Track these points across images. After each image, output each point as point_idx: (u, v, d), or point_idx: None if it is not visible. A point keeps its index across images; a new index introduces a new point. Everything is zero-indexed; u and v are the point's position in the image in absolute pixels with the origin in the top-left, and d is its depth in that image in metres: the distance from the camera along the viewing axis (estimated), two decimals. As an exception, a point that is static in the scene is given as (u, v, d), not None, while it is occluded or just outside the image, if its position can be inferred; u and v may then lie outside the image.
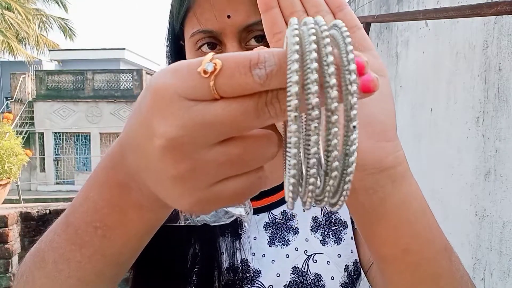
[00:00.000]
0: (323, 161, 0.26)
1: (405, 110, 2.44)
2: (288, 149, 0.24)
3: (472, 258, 1.68)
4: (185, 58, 0.51)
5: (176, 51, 0.63)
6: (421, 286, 0.41)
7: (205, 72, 0.25)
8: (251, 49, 0.32)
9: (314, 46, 0.23)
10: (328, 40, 0.24)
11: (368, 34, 2.40)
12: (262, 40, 0.54)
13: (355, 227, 0.67)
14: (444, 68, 1.99)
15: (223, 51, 0.55)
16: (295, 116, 0.23)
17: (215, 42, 0.55)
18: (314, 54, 0.23)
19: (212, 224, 0.55)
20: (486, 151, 1.61)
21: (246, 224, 0.57)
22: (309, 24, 0.24)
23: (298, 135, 0.23)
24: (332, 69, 0.23)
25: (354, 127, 0.24)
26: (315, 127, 0.23)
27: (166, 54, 0.65)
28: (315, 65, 0.23)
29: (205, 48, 0.55)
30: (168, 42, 0.64)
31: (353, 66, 0.23)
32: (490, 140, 1.59)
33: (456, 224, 1.83)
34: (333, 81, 0.23)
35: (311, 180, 0.24)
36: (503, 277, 1.49)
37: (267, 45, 0.38)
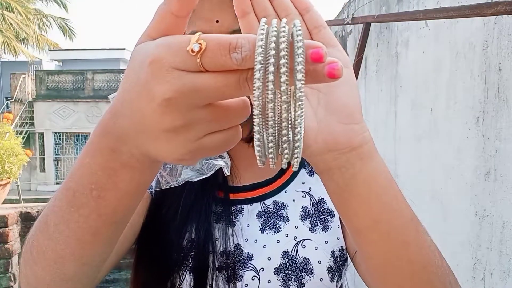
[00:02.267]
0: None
1: (405, 110, 2.43)
2: (254, 118, 0.31)
3: (472, 258, 1.68)
4: None
5: None
6: (392, 254, 0.45)
7: (192, 51, 0.31)
8: None
9: (274, 45, 0.30)
10: (284, 39, 0.30)
11: (368, 34, 2.40)
12: None
13: None
14: (444, 68, 1.99)
15: None
16: (258, 94, 0.30)
17: None
18: (273, 52, 0.30)
19: (194, 180, 0.61)
20: (486, 151, 1.61)
21: (226, 171, 0.63)
22: (273, 25, 0.31)
23: (261, 106, 0.30)
24: (284, 69, 0.30)
25: (299, 105, 0.30)
26: (271, 99, 0.30)
27: None
28: (272, 60, 0.30)
29: None
30: None
31: (299, 59, 0.30)
32: (490, 140, 1.59)
33: (456, 224, 1.83)
34: (283, 70, 0.30)
35: (270, 138, 0.31)
36: (503, 277, 1.49)
37: None
